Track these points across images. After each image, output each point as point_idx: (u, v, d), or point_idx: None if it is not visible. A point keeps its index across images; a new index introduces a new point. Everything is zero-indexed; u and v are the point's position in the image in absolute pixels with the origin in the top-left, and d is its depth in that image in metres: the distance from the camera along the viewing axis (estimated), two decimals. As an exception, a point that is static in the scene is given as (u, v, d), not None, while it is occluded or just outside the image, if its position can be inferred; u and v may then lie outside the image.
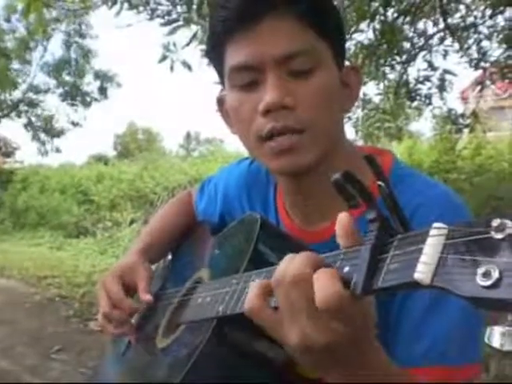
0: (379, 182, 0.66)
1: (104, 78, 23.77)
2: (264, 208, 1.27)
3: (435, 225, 0.55)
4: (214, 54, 1.12)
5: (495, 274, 0.46)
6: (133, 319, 1.30)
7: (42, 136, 23.88)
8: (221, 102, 1.21)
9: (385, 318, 0.76)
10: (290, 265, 0.70)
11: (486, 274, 0.47)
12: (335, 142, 1.08)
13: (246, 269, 0.97)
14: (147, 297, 1.24)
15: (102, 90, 23.84)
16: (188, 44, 5.29)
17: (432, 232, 0.55)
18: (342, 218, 0.70)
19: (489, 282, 0.46)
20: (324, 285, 0.65)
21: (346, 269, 0.66)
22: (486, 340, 0.50)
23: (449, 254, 0.52)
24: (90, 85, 23.91)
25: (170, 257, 1.52)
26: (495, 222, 0.48)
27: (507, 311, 0.48)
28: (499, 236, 0.47)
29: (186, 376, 0.95)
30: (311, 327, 0.68)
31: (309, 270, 0.68)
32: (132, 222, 13.44)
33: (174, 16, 5.48)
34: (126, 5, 5.34)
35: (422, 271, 0.53)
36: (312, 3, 1.02)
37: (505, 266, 0.46)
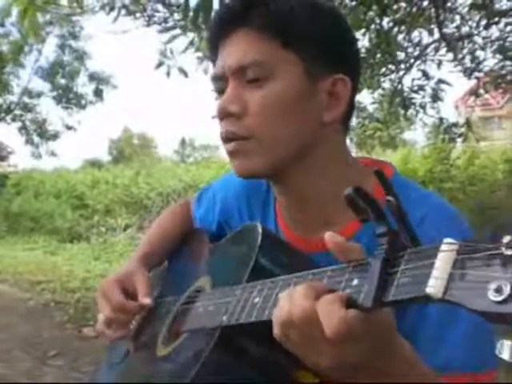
0: (389, 197, 0.68)
1: (99, 79, 23.71)
2: (263, 217, 1.28)
3: (446, 240, 0.57)
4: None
5: (507, 290, 0.48)
6: (131, 326, 1.32)
7: (36, 140, 23.81)
8: None
9: (400, 328, 0.78)
10: (293, 303, 0.72)
11: (498, 290, 0.49)
12: (300, 152, 1.08)
13: (248, 279, 0.98)
14: (147, 301, 1.25)
15: (98, 92, 23.77)
16: (185, 51, 5.32)
17: (443, 247, 0.56)
18: (330, 237, 0.73)
19: (501, 298, 0.48)
20: (328, 316, 0.67)
21: (355, 281, 0.68)
22: (496, 353, 0.52)
23: (460, 269, 0.54)
24: (85, 87, 23.85)
25: (166, 264, 1.52)
26: (506, 239, 0.50)
27: None
28: (510, 252, 0.49)
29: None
30: (335, 353, 0.70)
31: (311, 303, 0.70)
32: (126, 227, 13.42)
33: (171, 23, 5.51)
34: (123, 11, 5.36)
35: (434, 285, 0.55)
36: (270, 18, 1.06)
37: None
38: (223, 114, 1.08)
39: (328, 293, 0.71)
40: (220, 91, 1.13)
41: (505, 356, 0.51)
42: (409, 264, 0.61)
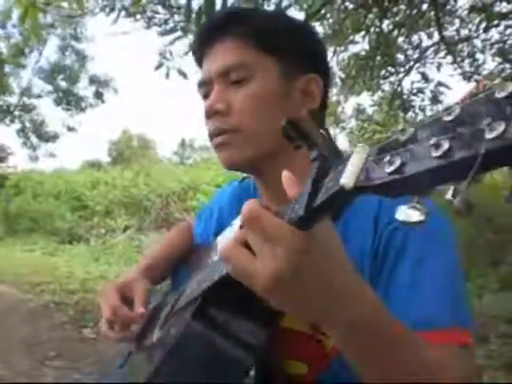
0: (321, 131, 0.78)
1: (100, 82, 23.76)
2: None
3: (360, 145, 0.62)
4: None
5: (397, 161, 0.54)
6: (134, 328, 1.35)
7: (35, 141, 23.83)
8: None
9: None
10: (245, 207, 0.77)
11: (391, 161, 0.55)
12: (279, 146, 1.16)
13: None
14: (140, 309, 1.30)
15: (98, 95, 23.82)
16: (186, 53, 5.32)
17: (356, 149, 0.62)
18: (285, 174, 0.80)
19: (392, 168, 0.55)
20: (262, 219, 0.75)
21: (297, 206, 0.73)
22: (396, 217, 0.57)
23: (370, 162, 0.59)
24: (86, 89, 23.91)
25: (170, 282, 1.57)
26: (408, 131, 0.56)
27: (414, 193, 0.56)
28: (403, 138, 0.55)
29: (166, 359, 1.01)
30: (265, 256, 0.74)
31: (257, 207, 0.76)
32: (126, 228, 13.43)
33: (171, 25, 5.52)
34: (123, 13, 5.37)
35: (346, 177, 0.60)
36: (250, 27, 1.21)
37: (406, 155, 0.54)
38: (211, 112, 1.19)
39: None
40: (205, 95, 1.24)
41: (401, 218, 0.56)
42: (332, 173, 0.67)
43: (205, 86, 1.25)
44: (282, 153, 1.18)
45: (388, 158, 0.56)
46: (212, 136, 1.22)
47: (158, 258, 1.53)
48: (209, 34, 1.25)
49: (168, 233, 1.69)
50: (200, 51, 1.27)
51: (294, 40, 1.23)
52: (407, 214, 0.56)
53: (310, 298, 0.76)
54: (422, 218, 0.55)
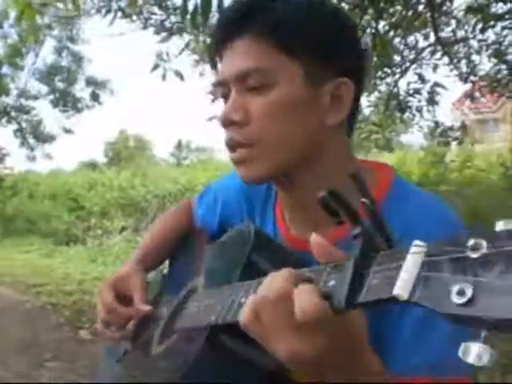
0: (363, 199, 0.69)
1: (96, 84, 23.72)
2: (263, 216, 1.29)
3: (415, 242, 0.57)
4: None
5: (469, 293, 0.48)
6: (130, 325, 1.34)
7: (32, 142, 23.78)
8: None
9: (377, 331, 0.79)
10: (273, 281, 0.74)
11: (461, 292, 0.49)
12: (304, 156, 1.10)
13: (239, 279, 1.00)
14: (144, 308, 1.28)
15: (94, 97, 23.77)
16: (180, 53, 5.33)
17: (412, 249, 0.57)
18: (315, 239, 0.75)
19: (463, 300, 0.49)
20: (303, 298, 0.69)
21: (332, 282, 0.69)
22: (460, 355, 0.52)
23: (426, 272, 0.54)
24: (82, 91, 23.87)
25: (167, 264, 1.54)
26: (471, 242, 0.50)
27: (482, 328, 0.50)
28: (474, 255, 0.49)
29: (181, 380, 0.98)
30: (296, 342, 0.71)
31: (289, 286, 0.72)
32: (122, 229, 13.40)
33: (168, 26, 5.52)
34: (119, 14, 5.37)
35: (401, 287, 0.56)
36: (272, 25, 1.06)
37: (478, 284, 0.48)
38: (226, 123, 1.09)
39: (307, 282, 0.72)
40: (223, 96, 1.14)
41: (469, 359, 0.51)
42: (380, 266, 0.62)
43: (221, 87, 1.14)
44: (304, 162, 1.10)
45: (457, 286, 0.49)
46: (228, 147, 1.12)
47: (155, 245, 1.49)
48: (227, 27, 1.12)
49: (167, 213, 1.62)
50: (218, 47, 1.15)
51: (324, 38, 1.08)
52: (471, 352, 0.51)
53: (322, 369, 0.76)
54: (487, 363, 0.51)
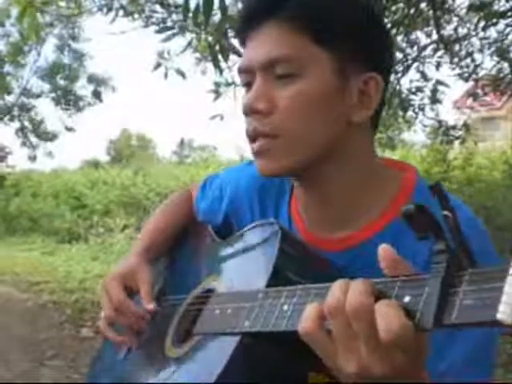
0: (445, 212, 0.67)
1: (98, 81, 23.72)
2: (276, 212, 1.24)
3: None
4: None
5: None
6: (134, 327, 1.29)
7: (34, 140, 23.82)
8: None
9: None
10: (350, 294, 0.70)
11: None
12: (327, 152, 1.06)
13: (268, 283, 0.94)
14: (150, 306, 1.23)
15: (96, 94, 23.77)
16: (182, 52, 5.31)
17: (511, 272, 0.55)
18: (384, 249, 0.71)
19: None
20: (389, 317, 0.65)
21: (407, 298, 0.66)
22: None
23: None
24: (84, 89, 23.87)
25: (168, 256, 1.48)
26: None
27: None
28: None
29: None
30: (370, 358, 0.68)
31: (370, 300, 0.68)
32: (125, 227, 13.39)
33: (169, 24, 5.51)
34: (121, 12, 5.36)
35: (505, 312, 0.53)
36: (304, 10, 1.03)
37: None
38: (250, 111, 1.05)
39: (385, 297, 0.69)
40: (246, 84, 1.10)
41: None
42: (472, 285, 0.59)
43: (246, 74, 1.09)
44: (327, 159, 1.06)
45: None
46: (250, 137, 1.08)
47: (157, 236, 1.43)
48: (255, 12, 1.08)
49: (168, 202, 1.56)
50: (244, 31, 1.10)
51: (355, 30, 1.05)
52: None
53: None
54: None
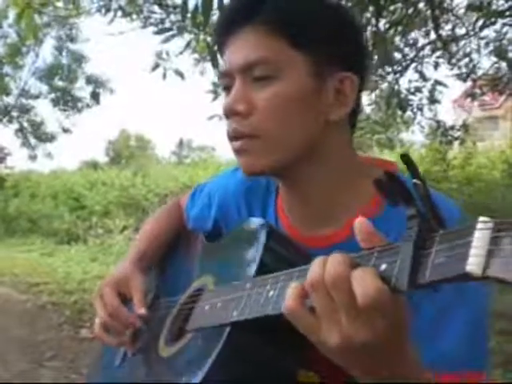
0: (415, 181, 0.70)
1: (96, 82, 23.72)
2: (263, 212, 1.28)
3: (481, 219, 0.57)
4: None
5: None
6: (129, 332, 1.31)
7: (33, 142, 23.82)
8: None
9: None
10: (327, 266, 0.72)
11: None
12: (306, 151, 1.08)
13: (256, 275, 0.98)
14: (142, 311, 1.26)
15: (95, 95, 23.76)
16: (181, 52, 5.31)
17: (479, 226, 0.57)
18: (361, 222, 0.73)
19: None
20: (364, 282, 0.67)
21: (383, 266, 0.68)
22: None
23: (497, 246, 0.54)
24: (82, 90, 23.86)
25: (161, 264, 1.51)
26: None
27: None
28: None
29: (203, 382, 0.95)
30: (352, 326, 0.70)
31: (347, 270, 0.70)
32: (124, 228, 13.40)
33: (168, 24, 5.51)
34: (119, 12, 5.36)
35: (474, 263, 0.55)
36: (280, 15, 1.07)
37: None
38: (230, 113, 1.08)
39: (362, 265, 0.71)
40: (226, 88, 1.13)
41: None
42: (442, 245, 0.61)
43: (226, 78, 1.12)
44: (306, 158, 1.09)
45: None
46: (230, 138, 1.11)
47: (150, 245, 1.46)
48: (233, 17, 1.11)
49: (158, 212, 1.60)
50: (223, 36, 1.14)
51: (330, 33, 1.08)
52: None
53: (369, 363, 0.74)
54: None
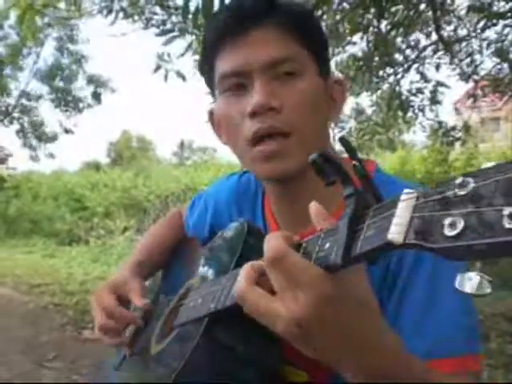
0: (354, 162, 0.72)
1: (97, 82, 23.69)
2: (252, 216, 1.31)
3: (405, 190, 0.59)
4: (206, 65, 1.17)
5: (460, 225, 0.49)
6: (128, 331, 1.34)
7: (35, 142, 23.80)
8: (211, 114, 1.26)
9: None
10: (266, 245, 0.73)
11: (452, 225, 0.50)
12: (321, 148, 1.08)
13: (234, 268, 1.02)
14: (143, 301, 1.28)
15: (96, 95, 23.74)
16: (183, 54, 5.32)
17: (402, 197, 0.58)
18: (313, 206, 0.76)
19: (455, 232, 0.49)
20: (268, 242, 0.72)
21: (327, 245, 0.69)
22: (457, 286, 0.52)
23: (418, 213, 0.55)
24: (83, 90, 23.84)
25: (160, 273, 1.56)
26: (458, 180, 0.51)
27: (476, 259, 0.51)
28: (463, 192, 0.50)
29: (178, 377, 0.99)
30: (287, 299, 0.70)
31: (283, 243, 0.71)
32: (125, 229, 13.42)
33: (169, 26, 5.51)
34: (121, 14, 5.37)
35: (395, 232, 0.57)
36: (293, 17, 1.10)
37: (469, 216, 0.49)
38: (263, 109, 1.05)
39: (302, 250, 0.74)
40: (235, 86, 1.11)
41: (467, 289, 0.52)
42: (374, 218, 0.63)
43: (239, 77, 1.09)
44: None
45: (449, 219, 0.50)
46: (261, 137, 1.07)
47: (148, 253, 1.50)
48: (241, 19, 1.09)
49: (158, 223, 1.64)
50: (225, 36, 1.10)
51: (323, 38, 1.17)
52: (471, 284, 0.51)
53: (333, 346, 0.73)
54: (489, 290, 0.51)
